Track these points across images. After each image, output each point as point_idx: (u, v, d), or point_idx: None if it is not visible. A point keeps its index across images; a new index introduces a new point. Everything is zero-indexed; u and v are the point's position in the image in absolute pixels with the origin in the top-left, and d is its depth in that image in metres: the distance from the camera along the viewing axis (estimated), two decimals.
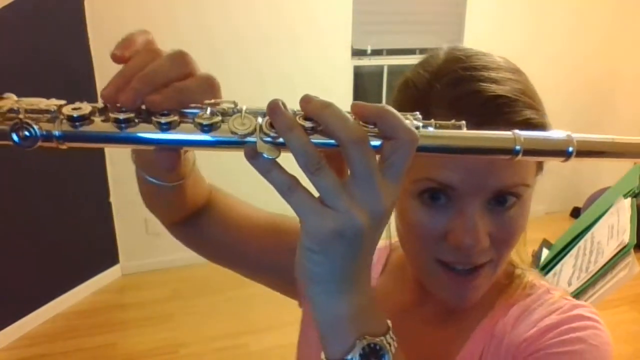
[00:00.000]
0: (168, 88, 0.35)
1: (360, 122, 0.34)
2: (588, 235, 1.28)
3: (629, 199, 1.26)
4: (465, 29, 3.53)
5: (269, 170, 0.34)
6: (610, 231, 1.18)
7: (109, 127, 0.34)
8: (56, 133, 0.33)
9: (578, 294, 1.11)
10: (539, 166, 0.50)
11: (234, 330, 2.56)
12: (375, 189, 0.33)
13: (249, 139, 0.34)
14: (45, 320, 2.73)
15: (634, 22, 3.90)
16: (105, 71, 2.86)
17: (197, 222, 0.61)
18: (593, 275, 1.10)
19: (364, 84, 3.57)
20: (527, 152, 0.36)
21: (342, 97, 3.33)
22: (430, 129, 0.36)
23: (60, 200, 2.73)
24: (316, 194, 0.34)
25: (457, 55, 0.49)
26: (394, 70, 3.45)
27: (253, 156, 0.34)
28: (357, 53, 3.35)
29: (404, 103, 0.50)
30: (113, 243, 3.11)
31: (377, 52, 3.41)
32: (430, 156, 0.36)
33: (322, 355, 0.37)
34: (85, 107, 0.34)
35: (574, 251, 1.29)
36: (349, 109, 0.35)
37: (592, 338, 0.47)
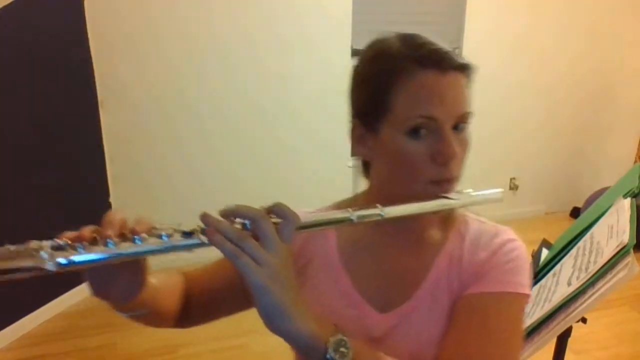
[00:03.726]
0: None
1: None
2: (587, 235, 1.28)
3: (628, 199, 1.25)
4: (465, 29, 3.53)
5: (223, 243, 0.50)
6: (610, 231, 1.17)
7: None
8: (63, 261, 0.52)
9: (578, 293, 1.11)
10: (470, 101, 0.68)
11: (234, 330, 2.56)
12: (278, 244, 0.51)
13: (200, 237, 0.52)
14: (45, 320, 2.74)
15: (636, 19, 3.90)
16: (105, 71, 2.87)
17: (188, 310, 0.76)
18: (593, 275, 1.09)
19: None
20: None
21: (342, 96, 3.32)
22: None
23: (61, 200, 2.74)
24: None
25: (407, 33, 0.67)
26: None
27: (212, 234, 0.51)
28: (357, 53, 3.33)
29: (376, 69, 0.68)
30: None
31: None
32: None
33: None
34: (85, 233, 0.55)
35: (573, 251, 1.29)
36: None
37: (523, 252, 0.71)
